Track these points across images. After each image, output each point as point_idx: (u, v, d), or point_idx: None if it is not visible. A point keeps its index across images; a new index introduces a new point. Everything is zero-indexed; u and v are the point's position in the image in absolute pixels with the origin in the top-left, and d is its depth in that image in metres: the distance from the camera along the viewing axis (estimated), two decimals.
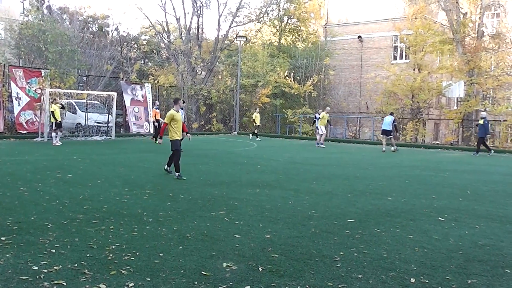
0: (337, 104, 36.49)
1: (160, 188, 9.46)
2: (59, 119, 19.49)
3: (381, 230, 6.53)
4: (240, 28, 39.62)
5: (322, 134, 23.40)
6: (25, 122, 22.61)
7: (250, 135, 28.55)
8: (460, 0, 29.80)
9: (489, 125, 22.08)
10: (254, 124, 28.37)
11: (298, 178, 11.56)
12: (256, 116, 28.18)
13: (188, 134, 12.26)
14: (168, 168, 11.50)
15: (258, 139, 27.32)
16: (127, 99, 27.28)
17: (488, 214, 7.90)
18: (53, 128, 19.46)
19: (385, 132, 21.85)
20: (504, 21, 30.45)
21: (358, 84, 36.86)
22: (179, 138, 11.28)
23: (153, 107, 24.08)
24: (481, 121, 21.39)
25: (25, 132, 22.45)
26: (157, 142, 21.25)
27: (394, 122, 21.82)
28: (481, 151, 21.66)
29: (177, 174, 10.86)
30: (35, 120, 22.86)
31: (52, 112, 19.28)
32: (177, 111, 11.33)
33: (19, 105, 22.48)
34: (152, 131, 28.01)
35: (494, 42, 29.70)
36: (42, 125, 21.68)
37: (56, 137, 19.26)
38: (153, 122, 23.07)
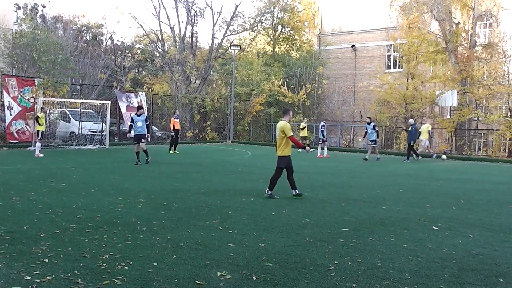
0: (331, 112, 36.58)
1: (154, 197, 9.44)
2: (42, 129, 18.69)
3: (375, 239, 6.54)
4: (234, 37, 39.79)
5: (426, 146, 23.37)
6: (16, 132, 22.51)
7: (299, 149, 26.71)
8: (452, 10, 30.03)
9: (416, 131, 22.37)
10: (301, 135, 25.71)
11: None
12: (303, 126, 25.72)
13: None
14: (297, 191, 9.95)
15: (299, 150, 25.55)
16: (122, 106, 27.25)
17: (482, 223, 7.93)
18: (40, 138, 18.62)
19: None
20: (496, 31, 30.67)
21: (352, 93, 37.02)
22: (289, 154, 9.95)
23: (172, 117, 23.25)
24: (409, 128, 21.87)
25: (15, 141, 22.35)
26: (171, 152, 21.30)
27: (322, 127, 21.98)
28: (412, 156, 22.00)
29: (268, 192, 9.80)
30: (26, 129, 22.76)
31: (38, 118, 18.65)
32: (289, 122, 9.98)
33: (10, 114, 22.39)
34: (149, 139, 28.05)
35: (487, 51, 29.90)
36: (35, 134, 21.55)
37: (40, 147, 18.42)
38: (171, 132, 22.69)
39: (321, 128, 22.58)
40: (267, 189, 9.86)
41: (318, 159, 21.22)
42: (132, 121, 16.26)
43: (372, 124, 21.00)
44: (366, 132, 21.11)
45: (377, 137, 21.73)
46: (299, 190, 10.01)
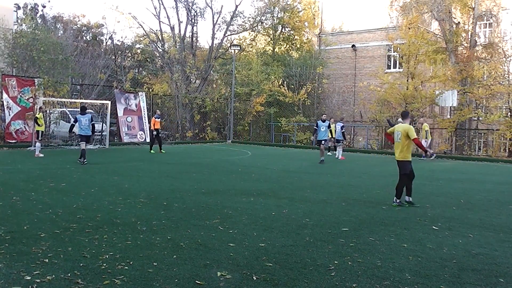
0: (331, 112, 36.49)
1: (154, 197, 9.44)
2: (41, 129, 18.79)
3: (375, 239, 6.54)
4: (234, 37, 39.77)
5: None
6: (15, 132, 22.51)
7: (329, 152, 23.98)
8: (452, 10, 30.05)
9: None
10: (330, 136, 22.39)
11: (292, 187, 11.56)
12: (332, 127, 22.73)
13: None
14: (410, 199, 9.48)
15: (329, 153, 23.59)
16: (120, 108, 27.11)
17: (482, 223, 7.93)
18: (40, 138, 18.71)
19: (337, 141, 21.83)
20: (496, 31, 30.71)
21: (352, 93, 37.01)
22: (411, 159, 9.60)
23: (152, 116, 23.51)
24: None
25: (13, 141, 22.35)
26: (160, 151, 21.29)
27: (342, 128, 21.79)
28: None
29: (397, 200, 9.38)
30: (24, 129, 22.75)
31: (37, 118, 18.68)
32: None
33: (9, 114, 22.39)
34: (148, 140, 27.96)
35: (487, 51, 29.92)
36: (34, 134, 21.52)
37: (40, 147, 18.41)
38: (152, 132, 22.53)
39: (342, 129, 22.04)
40: (395, 197, 9.44)
41: (318, 159, 21.16)
42: (75, 120, 16.17)
43: (328, 122, 19.54)
44: (316, 130, 19.73)
45: (331, 137, 20.66)
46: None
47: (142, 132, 27.91)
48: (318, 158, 19.19)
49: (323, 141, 19.22)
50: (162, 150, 21.66)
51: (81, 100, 25.77)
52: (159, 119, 22.30)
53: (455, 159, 24.28)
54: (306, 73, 35.30)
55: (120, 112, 27.06)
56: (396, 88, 28.90)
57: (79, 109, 17.32)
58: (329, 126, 19.59)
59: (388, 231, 7.08)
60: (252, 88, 34.27)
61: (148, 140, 27.82)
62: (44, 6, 38.07)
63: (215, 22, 36.21)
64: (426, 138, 22.85)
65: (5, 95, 22.32)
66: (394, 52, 34.32)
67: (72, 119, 24.38)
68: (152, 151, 21.47)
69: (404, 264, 5.45)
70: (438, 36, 31.38)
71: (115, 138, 27.49)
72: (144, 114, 28.30)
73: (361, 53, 37.11)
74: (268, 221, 7.46)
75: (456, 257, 5.78)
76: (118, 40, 43.19)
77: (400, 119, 22.50)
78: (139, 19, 63.89)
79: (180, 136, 31.43)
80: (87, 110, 17.41)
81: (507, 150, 26.79)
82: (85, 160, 15.51)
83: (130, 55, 44.76)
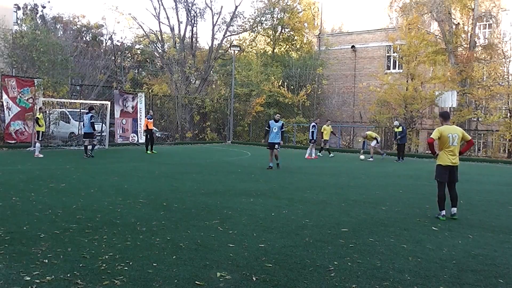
0: (331, 113, 36.58)
1: (153, 197, 9.43)
2: (41, 130, 18.79)
3: (375, 240, 6.54)
4: (234, 37, 39.78)
5: (374, 147, 22.39)
6: (14, 132, 22.49)
7: (319, 152, 23.52)
8: (452, 10, 30.06)
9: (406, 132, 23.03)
10: (322, 139, 23.53)
11: (292, 187, 11.56)
12: (326, 129, 23.17)
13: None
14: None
15: (331, 155, 23.09)
16: (117, 110, 26.93)
17: (481, 223, 7.93)
18: (40, 139, 18.70)
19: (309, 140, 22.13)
20: (496, 32, 30.71)
21: (352, 94, 37.03)
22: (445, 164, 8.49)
23: (145, 117, 23.51)
24: (399, 129, 22.10)
25: (13, 142, 22.33)
26: (148, 152, 21.26)
27: (312, 128, 21.84)
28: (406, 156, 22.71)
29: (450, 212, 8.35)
30: (24, 130, 22.73)
31: (37, 119, 18.68)
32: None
33: (9, 115, 22.38)
34: (142, 141, 27.88)
35: (486, 52, 29.92)
36: (34, 135, 21.51)
37: (40, 148, 18.43)
38: (144, 132, 22.45)
39: (312, 129, 22.00)
40: (454, 208, 8.43)
41: (317, 159, 21.19)
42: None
43: (281, 123, 16.69)
44: (267, 131, 16.80)
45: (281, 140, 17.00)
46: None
47: (135, 135, 27.73)
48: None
49: (276, 145, 16.22)
50: (148, 151, 21.38)
51: (81, 101, 25.81)
52: (152, 120, 22.24)
53: None
54: (306, 74, 35.31)
55: (117, 114, 26.93)
56: (395, 89, 28.92)
57: (82, 110, 20.10)
58: (282, 127, 16.53)
59: (388, 231, 7.08)
60: (252, 89, 34.28)
61: (141, 141, 27.76)
62: (44, 7, 38.08)
63: (214, 22, 36.24)
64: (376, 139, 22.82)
65: (4, 96, 22.31)
66: (394, 53, 34.34)
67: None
68: (153, 151, 21.41)
69: (403, 264, 5.45)
70: (437, 37, 31.38)
71: (115, 139, 27.46)
72: (141, 116, 28.07)
73: (360, 53, 37.15)
74: (267, 222, 7.46)
75: (455, 258, 5.78)
76: (117, 41, 43.25)
77: (396, 122, 22.61)
78: (138, 20, 63.88)
79: (180, 137, 31.43)
80: (92, 110, 19.58)
81: (506, 151, 26.80)
82: (85, 155, 18.19)
83: (129, 55, 44.77)
